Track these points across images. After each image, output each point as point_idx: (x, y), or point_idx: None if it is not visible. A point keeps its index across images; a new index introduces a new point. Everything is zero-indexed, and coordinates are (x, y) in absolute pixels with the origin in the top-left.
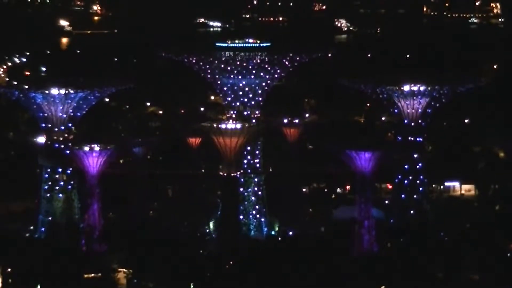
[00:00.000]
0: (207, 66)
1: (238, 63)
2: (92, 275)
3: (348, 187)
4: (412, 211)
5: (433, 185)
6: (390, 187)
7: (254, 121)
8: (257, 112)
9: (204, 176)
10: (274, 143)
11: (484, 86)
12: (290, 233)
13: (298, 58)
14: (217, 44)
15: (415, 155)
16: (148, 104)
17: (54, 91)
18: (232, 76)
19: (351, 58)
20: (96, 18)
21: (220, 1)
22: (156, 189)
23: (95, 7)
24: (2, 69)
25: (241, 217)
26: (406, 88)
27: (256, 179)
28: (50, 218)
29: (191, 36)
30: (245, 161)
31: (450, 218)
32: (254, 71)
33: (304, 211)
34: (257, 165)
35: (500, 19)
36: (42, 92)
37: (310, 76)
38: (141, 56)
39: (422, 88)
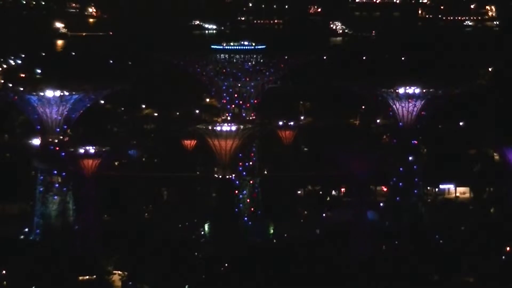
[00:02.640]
0: (202, 69)
1: (233, 65)
2: (87, 277)
3: (343, 189)
4: (407, 214)
5: (428, 188)
6: (385, 189)
7: (249, 123)
8: (252, 114)
9: (199, 179)
10: (269, 145)
11: (480, 88)
12: (286, 235)
13: (293, 61)
14: (213, 46)
15: (410, 158)
16: (143, 106)
17: (49, 93)
18: (227, 78)
19: (346, 61)
20: (91, 20)
21: (216, 4)
22: (151, 192)
23: (90, 9)
24: None
25: (236, 219)
26: (401, 90)
27: (251, 182)
28: (45, 221)
29: (186, 38)
30: (240, 164)
31: (445, 221)
32: (249, 74)
33: (299, 213)
34: (252, 168)
35: (495, 22)
36: (37, 94)
37: (306, 78)
38: (137, 58)
39: (417, 91)
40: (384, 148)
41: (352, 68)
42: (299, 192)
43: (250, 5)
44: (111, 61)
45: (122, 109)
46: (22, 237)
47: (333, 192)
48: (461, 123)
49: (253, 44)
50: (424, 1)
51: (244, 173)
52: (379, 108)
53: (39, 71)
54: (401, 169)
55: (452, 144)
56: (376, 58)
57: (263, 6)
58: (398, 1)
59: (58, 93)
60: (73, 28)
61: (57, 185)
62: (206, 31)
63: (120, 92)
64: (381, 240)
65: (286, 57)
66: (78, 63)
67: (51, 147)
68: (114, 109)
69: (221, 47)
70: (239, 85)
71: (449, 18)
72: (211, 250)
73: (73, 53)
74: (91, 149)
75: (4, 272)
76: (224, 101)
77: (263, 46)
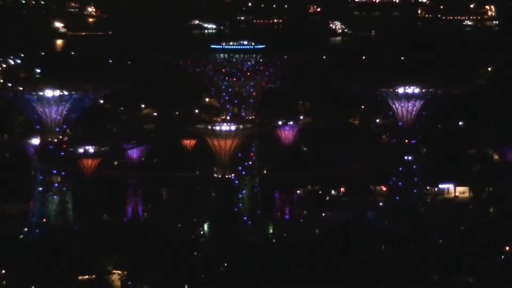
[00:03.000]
0: (202, 68)
1: (232, 65)
2: (86, 277)
3: (342, 189)
4: (406, 214)
5: (428, 188)
6: (384, 189)
7: (248, 123)
8: (251, 114)
9: (198, 179)
10: (269, 145)
11: (479, 88)
12: (285, 234)
13: (292, 61)
14: (212, 46)
15: (410, 158)
16: (143, 106)
17: (49, 93)
18: (226, 78)
19: (346, 61)
20: (91, 20)
21: (215, 3)
22: (151, 192)
23: (90, 9)
24: None
25: (236, 219)
26: (400, 90)
27: (250, 182)
28: (44, 220)
29: (186, 38)
30: (240, 164)
31: (445, 221)
32: (248, 73)
33: (299, 213)
34: (252, 168)
35: (494, 22)
36: (37, 94)
37: (305, 78)
38: (136, 58)
39: (416, 91)
40: (383, 148)
41: (351, 68)
42: (298, 191)
43: (250, 4)
44: (111, 61)
45: (122, 108)
46: (21, 237)
47: (333, 192)
48: (460, 123)
49: (253, 43)
50: (423, 1)
51: (244, 172)
52: (379, 108)
53: (38, 70)
54: (400, 169)
55: (451, 144)
56: (375, 58)
57: (262, 5)
58: (397, 1)
59: (57, 92)
60: (72, 28)
61: (56, 184)
62: (206, 31)
63: (119, 92)
64: (381, 240)
65: (285, 57)
66: (77, 63)
67: (51, 147)
68: (114, 109)
69: (221, 46)
70: (238, 84)
71: (448, 17)
72: (211, 250)
73: (73, 53)
74: (91, 149)
75: (3, 271)
76: (224, 101)
77: (263, 46)
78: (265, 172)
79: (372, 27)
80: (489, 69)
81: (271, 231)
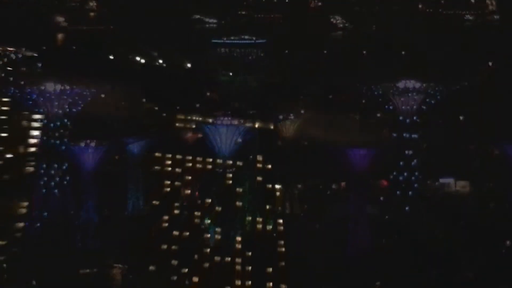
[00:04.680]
0: (203, 63)
1: (234, 59)
2: (88, 270)
3: (343, 183)
4: (407, 208)
5: (428, 182)
6: (385, 183)
7: (250, 117)
8: (253, 108)
9: (200, 173)
10: (270, 139)
11: (480, 83)
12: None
13: (294, 55)
14: (213, 40)
15: (410, 152)
16: (144, 101)
17: (50, 87)
18: (228, 73)
19: (347, 55)
20: (92, 14)
21: None
22: (152, 186)
23: (91, 3)
24: None
25: (236, 212)
26: (401, 85)
27: (252, 176)
28: (45, 214)
29: (187, 33)
30: (241, 158)
31: (445, 215)
32: (250, 68)
33: (300, 207)
34: (253, 162)
35: (495, 16)
36: (38, 88)
37: (307, 72)
38: (137, 53)
39: (417, 85)
40: (384, 142)
41: (352, 63)
42: (299, 186)
43: None
44: (112, 56)
45: (123, 103)
46: (23, 231)
47: (334, 186)
48: (461, 117)
49: (254, 38)
50: None
51: (245, 167)
52: (380, 102)
53: (39, 65)
54: (401, 163)
55: (452, 139)
56: (376, 53)
57: (263, 0)
58: None
59: (58, 87)
60: (73, 22)
61: (57, 178)
62: (207, 25)
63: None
64: (380, 234)
65: (286, 52)
66: (79, 58)
67: (52, 141)
68: (116, 103)
69: (222, 41)
70: (239, 79)
71: (449, 12)
72: (211, 242)
73: (74, 47)
74: (92, 143)
75: (4, 265)
76: (225, 96)
77: (264, 41)
78: (266, 166)
79: (373, 22)
80: (490, 64)
81: (271, 225)
